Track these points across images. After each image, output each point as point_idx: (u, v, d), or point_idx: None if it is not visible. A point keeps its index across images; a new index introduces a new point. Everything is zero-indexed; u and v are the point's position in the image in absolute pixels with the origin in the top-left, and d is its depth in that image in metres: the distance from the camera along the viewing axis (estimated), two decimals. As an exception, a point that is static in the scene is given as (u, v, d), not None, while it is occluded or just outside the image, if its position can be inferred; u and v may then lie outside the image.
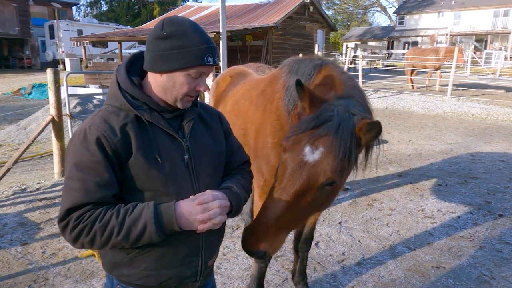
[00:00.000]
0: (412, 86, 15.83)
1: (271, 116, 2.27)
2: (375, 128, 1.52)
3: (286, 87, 2.13)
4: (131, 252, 1.31)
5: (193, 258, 1.38)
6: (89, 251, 3.36)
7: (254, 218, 1.64)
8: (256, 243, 1.54)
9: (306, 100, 1.69)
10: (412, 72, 16.13)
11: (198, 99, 1.51)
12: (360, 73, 15.12)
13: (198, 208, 1.23)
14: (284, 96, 2.13)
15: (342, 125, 1.54)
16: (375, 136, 1.56)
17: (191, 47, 1.27)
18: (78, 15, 47.23)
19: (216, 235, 1.47)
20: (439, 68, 15.46)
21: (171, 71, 1.29)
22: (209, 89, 3.79)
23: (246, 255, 3.44)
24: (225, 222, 1.54)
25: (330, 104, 1.64)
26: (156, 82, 1.34)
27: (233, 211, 1.39)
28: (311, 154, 1.54)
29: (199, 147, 1.40)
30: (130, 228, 1.19)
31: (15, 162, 4.97)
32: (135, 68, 1.39)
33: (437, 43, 33.44)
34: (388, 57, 33.03)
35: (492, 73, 20.20)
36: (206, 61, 1.29)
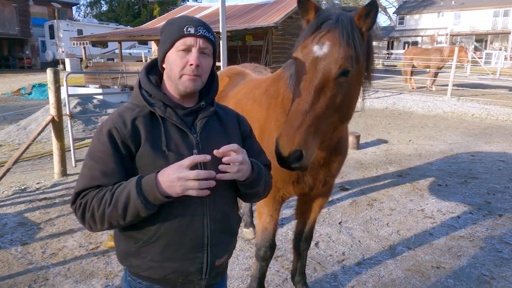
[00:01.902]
0: (412, 86, 15.83)
1: (276, 110, 2.30)
2: (373, 8, 1.64)
3: (290, 76, 2.14)
4: (139, 241, 1.35)
5: (197, 254, 1.38)
6: (111, 243, 3.41)
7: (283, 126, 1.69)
8: (289, 142, 1.58)
9: (311, 10, 1.77)
10: (411, 72, 16.12)
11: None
12: (360, 73, 15.09)
13: (173, 167, 1.23)
14: (291, 81, 2.16)
15: (340, 17, 1.67)
16: (374, 17, 1.67)
17: (173, 26, 1.38)
18: (78, 15, 47.27)
19: (225, 233, 1.45)
20: (441, 68, 15.47)
21: (164, 55, 1.40)
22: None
23: (246, 255, 3.45)
24: (237, 221, 1.54)
25: (327, 10, 1.77)
26: (165, 76, 1.44)
27: (252, 177, 1.39)
28: (320, 50, 1.66)
29: (211, 144, 1.41)
30: (117, 198, 1.25)
31: (15, 162, 4.97)
32: (156, 69, 1.49)
33: (437, 43, 33.44)
34: (388, 57, 33.06)
35: (492, 73, 20.21)
36: (185, 31, 1.35)
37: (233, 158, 1.31)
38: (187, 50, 1.35)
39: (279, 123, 2.25)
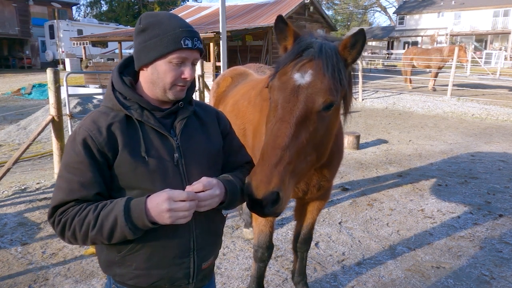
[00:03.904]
0: (412, 86, 15.84)
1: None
2: (360, 38, 1.51)
3: None
4: (122, 250, 1.31)
5: (183, 259, 1.35)
6: (92, 249, 3.39)
7: (256, 162, 1.47)
8: (265, 182, 1.35)
9: (290, 36, 1.63)
10: (411, 73, 16.14)
11: (197, 99, 1.49)
12: (360, 73, 15.12)
13: (163, 197, 1.18)
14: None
15: (324, 47, 1.54)
16: (361, 47, 1.55)
17: (166, 33, 1.28)
18: (78, 15, 47.21)
19: (210, 236, 1.43)
20: (441, 68, 15.47)
21: (152, 62, 1.30)
22: (206, 86, 3.78)
23: (246, 255, 3.44)
24: (221, 222, 1.52)
25: (307, 38, 1.64)
26: (144, 78, 1.36)
27: (227, 201, 1.34)
28: (302, 78, 1.51)
29: (192, 146, 1.38)
30: (102, 222, 1.20)
31: (15, 162, 4.97)
32: (129, 70, 1.41)
33: (437, 43, 33.43)
34: (388, 57, 33.05)
35: (492, 73, 20.20)
36: (183, 44, 1.27)
37: (202, 196, 1.25)
38: (181, 63, 1.31)
39: None
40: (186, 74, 1.31)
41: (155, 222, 1.20)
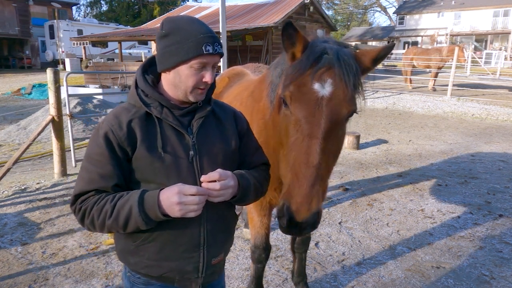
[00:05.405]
0: (412, 86, 15.84)
1: (258, 115, 2.24)
2: (388, 51, 1.51)
3: (270, 82, 2.02)
4: (137, 240, 1.37)
5: (193, 253, 1.40)
6: (111, 240, 3.44)
7: (288, 183, 1.44)
8: (307, 204, 1.34)
9: (299, 44, 1.55)
10: (411, 73, 16.15)
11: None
12: (360, 73, 15.08)
13: (174, 191, 1.23)
14: (269, 90, 2.01)
15: (340, 53, 1.50)
16: (385, 57, 1.56)
17: (188, 39, 1.31)
18: (78, 15, 47.19)
19: (221, 233, 1.47)
20: (441, 68, 15.47)
21: (174, 67, 1.34)
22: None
23: (246, 255, 3.44)
24: (233, 220, 1.56)
25: (317, 43, 1.58)
26: (167, 80, 1.41)
27: (239, 194, 1.39)
28: (324, 89, 1.47)
29: (207, 144, 1.42)
30: (119, 211, 1.27)
31: (15, 162, 4.97)
32: (153, 69, 1.46)
33: (437, 43, 33.43)
34: (388, 57, 33.02)
35: (492, 73, 20.20)
36: (204, 50, 1.31)
37: (210, 186, 1.30)
38: (203, 67, 1.35)
39: (260, 128, 2.17)
40: (207, 78, 1.36)
41: (167, 215, 1.26)
